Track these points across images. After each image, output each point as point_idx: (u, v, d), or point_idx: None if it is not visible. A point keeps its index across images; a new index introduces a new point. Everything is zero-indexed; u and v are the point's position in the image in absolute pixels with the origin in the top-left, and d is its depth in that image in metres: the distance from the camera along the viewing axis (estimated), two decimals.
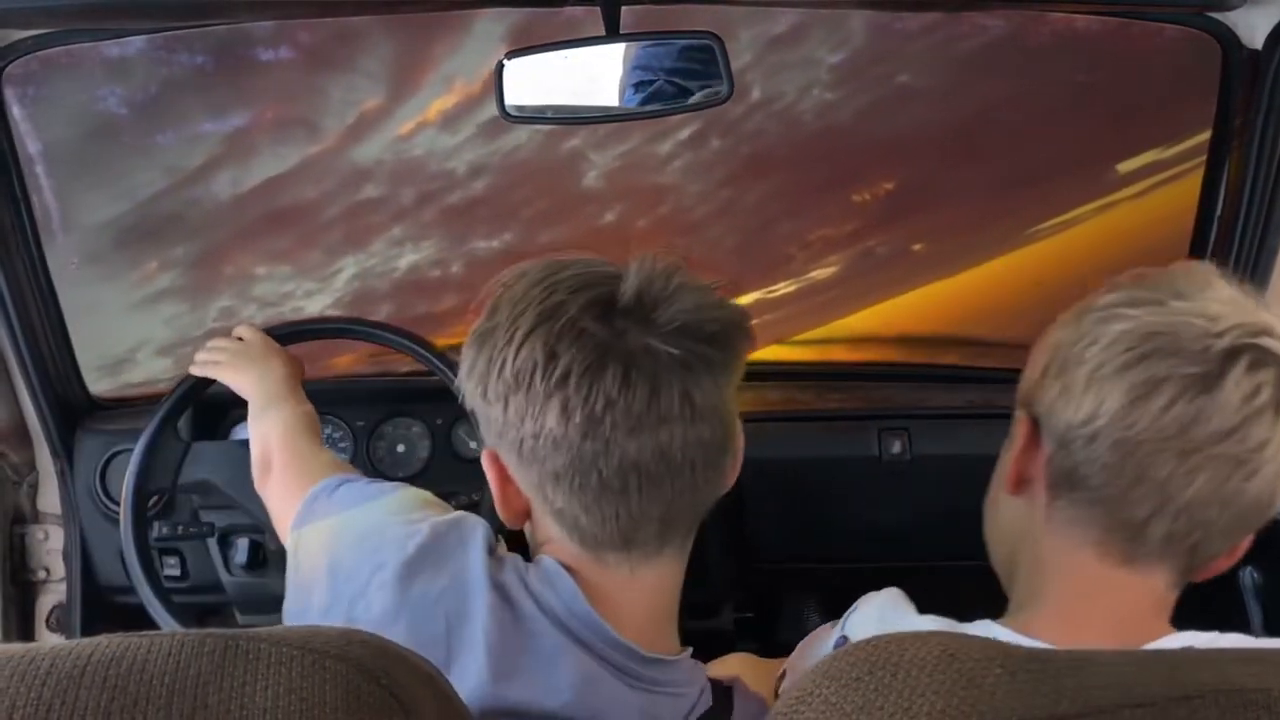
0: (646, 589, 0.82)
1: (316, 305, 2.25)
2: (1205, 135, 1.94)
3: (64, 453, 1.60)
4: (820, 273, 2.32)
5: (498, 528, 0.87)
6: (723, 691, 0.86)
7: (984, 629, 0.82)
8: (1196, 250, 1.48)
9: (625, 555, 0.80)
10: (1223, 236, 1.43)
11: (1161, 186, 2.12)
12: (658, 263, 0.79)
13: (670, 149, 2.28)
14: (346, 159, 2.21)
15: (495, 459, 0.81)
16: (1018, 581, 0.87)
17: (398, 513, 0.87)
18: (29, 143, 1.68)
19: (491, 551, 0.83)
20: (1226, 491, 0.74)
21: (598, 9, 1.13)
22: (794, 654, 1.03)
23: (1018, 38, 2.13)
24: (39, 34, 1.35)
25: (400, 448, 1.63)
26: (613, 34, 1.14)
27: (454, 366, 1.39)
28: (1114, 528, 0.78)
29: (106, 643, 0.55)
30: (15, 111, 1.48)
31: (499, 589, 0.79)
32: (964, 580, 1.48)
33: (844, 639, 0.91)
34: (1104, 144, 2.17)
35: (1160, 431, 0.74)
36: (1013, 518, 0.88)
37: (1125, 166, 2.16)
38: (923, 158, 2.28)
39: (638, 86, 1.25)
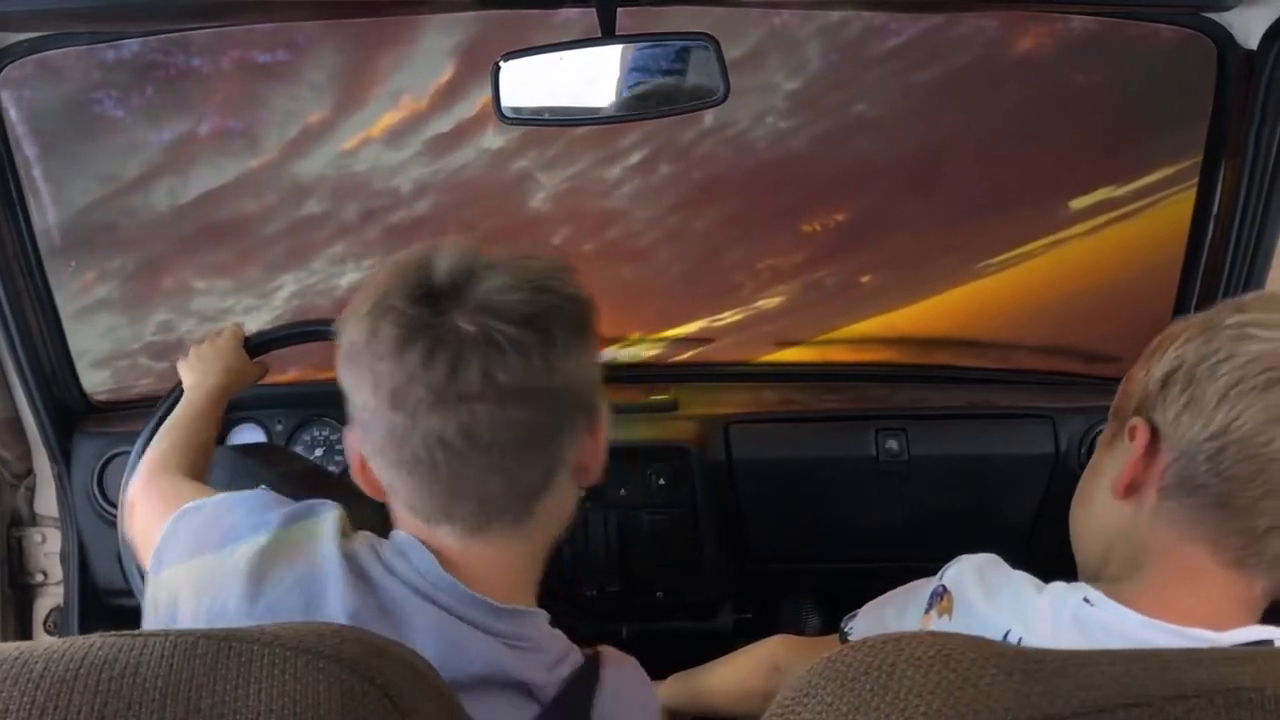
0: (486, 558, 0.83)
1: (256, 322, 2.23)
2: (1159, 174, 1.95)
3: (61, 456, 1.60)
4: (767, 302, 2.31)
5: None
6: (592, 654, 0.88)
7: (1080, 590, 0.85)
8: (1193, 249, 1.49)
9: (450, 528, 0.82)
10: (1219, 235, 1.43)
11: (1116, 223, 2.11)
12: (472, 245, 0.82)
13: (619, 173, 2.27)
14: (289, 173, 2.19)
15: (353, 433, 0.84)
16: (1111, 564, 0.90)
17: (251, 512, 0.88)
18: None
19: (346, 534, 0.85)
20: None
21: (594, 11, 1.12)
22: (884, 599, 1.05)
23: (979, 68, 2.12)
24: (35, 37, 1.34)
25: None
26: (609, 35, 1.14)
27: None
28: (1231, 532, 0.80)
29: (99, 643, 0.55)
30: (13, 114, 1.48)
31: (353, 565, 0.81)
32: None
33: (942, 588, 0.94)
34: (1057, 179, 2.17)
35: None
36: (1114, 519, 0.89)
37: (1078, 203, 2.16)
38: (875, 189, 2.29)
39: (635, 87, 1.24)
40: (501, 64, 1.16)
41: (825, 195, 2.30)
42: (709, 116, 2.18)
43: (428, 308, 0.77)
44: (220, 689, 0.53)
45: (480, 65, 2.09)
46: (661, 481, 1.57)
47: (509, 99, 1.19)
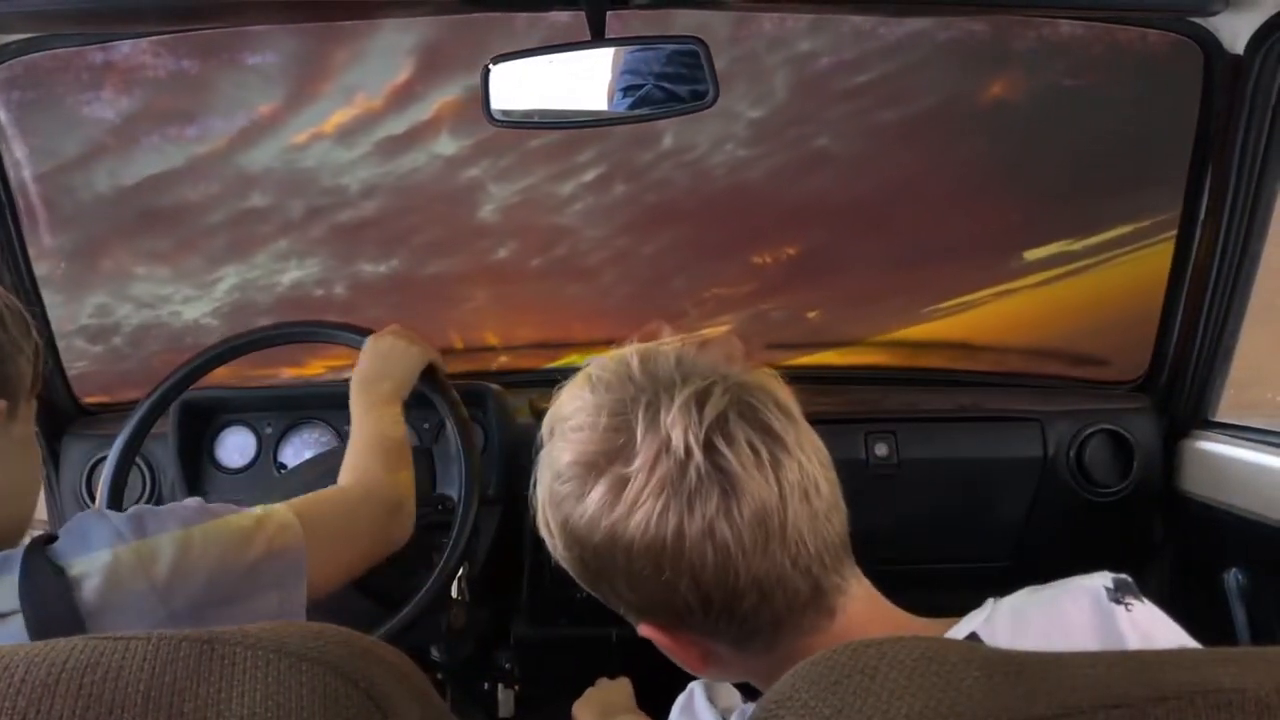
0: None
1: (194, 312, 2.22)
2: (1118, 231, 1.97)
3: (50, 458, 1.61)
4: (712, 331, 2.28)
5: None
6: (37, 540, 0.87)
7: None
8: (1180, 253, 1.49)
9: None
10: (1207, 239, 1.44)
11: (1069, 278, 2.11)
12: None
13: (572, 190, 2.25)
14: (236, 163, 2.15)
15: None
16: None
17: None
18: None
19: None
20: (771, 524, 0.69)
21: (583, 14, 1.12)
22: None
23: (947, 111, 2.12)
24: (24, 38, 1.34)
25: None
26: (598, 39, 1.14)
27: (327, 324, 1.39)
28: (789, 613, 0.72)
29: (81, 646, 0.55)
30: (2, 116, 1.48)
31: None
32: (950, 583, 1.49)
33: None
34: (1015, 229, 2.16)
35: (726, 540, 0.69)
36: (739, 671, 0.80)
37: (1032, 254, 2.15)
38: (830, 225, 2.27)
39: (626, 91, 1.25)
40: (491, 67, 1.17)
41: (778, 228, 2.27)
42: (667, 138, 2.15)
43: None
44: (203, 692, 0.53)
45: (439, 67, 2.06)
46: None
47: (499, 102, 1.20)
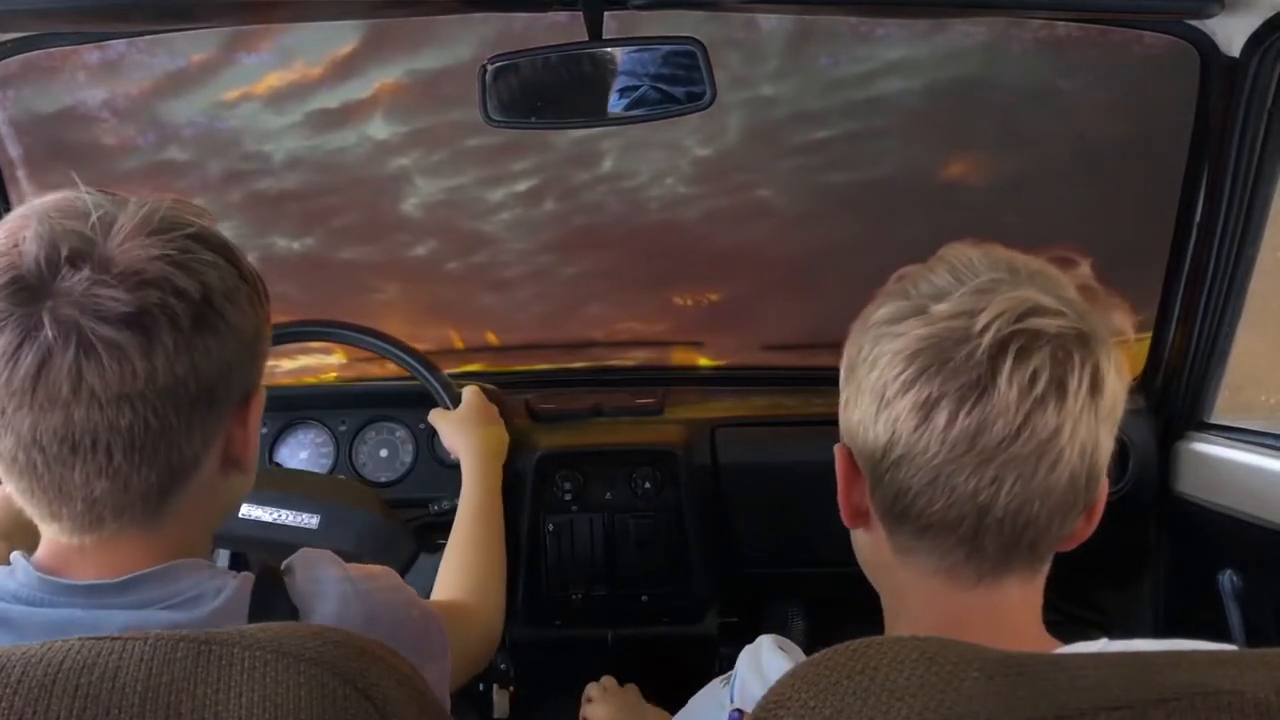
0: (107, 555, 0.78)
1: None
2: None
3: None
4: (616, 362, 2.26)
5: None
6: (270, 572, 0.85)
7: None
8: (1176, 257, 1.51)
9: (59, 526, 0.77)
10: (1202, 243, 1.45)
11: None
12: (77, 214, 0.74)
13: (501, 198, 2.25)
14: (157, 108, 2.08)
15: None
16: (886, 609, 0.83)
17: None
18: None
19: None
20: (1038, 487, 0.71)
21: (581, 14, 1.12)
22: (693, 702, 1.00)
23: (898, 185, 2.12)
24: (21, 37, 1.34)
25: (383, 452, 1.64)
26: (596, 39, 1.14)
27: (434, 369, 1.38)
28: (949, 551, 0.74)
29: (78, 647, 0.55)
30: None
31: None
32: None
33: (739, 713, 0.86)
34: None
35: (953, 449, 0.70)
36: (865, 547, 0.83)
37: None
38: (757, 278, 2.28)
39: (622, 92, 1.25)
40: (489, 67, 1.16)
41: (705, 271, 2.27)
42: (607, 162, 2.14)
43: (17, 295, 0.71)
44: (200, 693, 0.53)
45: (385, 45, 2.04)
46: (647, 485, 1.61)
47: (496, 102, 1.19)
